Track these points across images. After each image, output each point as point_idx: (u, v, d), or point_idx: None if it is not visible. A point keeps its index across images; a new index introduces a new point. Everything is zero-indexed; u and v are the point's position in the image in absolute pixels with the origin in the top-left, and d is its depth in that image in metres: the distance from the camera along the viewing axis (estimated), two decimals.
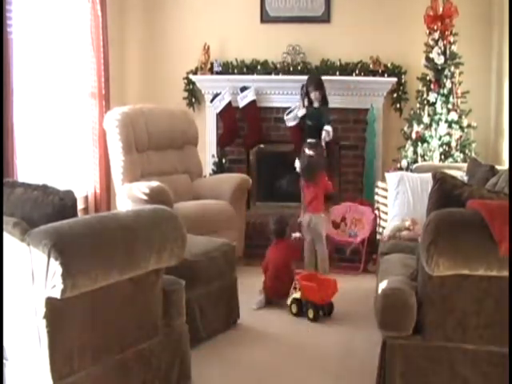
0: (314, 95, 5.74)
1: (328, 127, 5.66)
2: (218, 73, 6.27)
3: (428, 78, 5.62)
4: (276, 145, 6.40)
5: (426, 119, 5.53)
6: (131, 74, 6.59)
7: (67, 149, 5.64)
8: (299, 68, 6.11)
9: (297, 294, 4.23)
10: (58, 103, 5.48)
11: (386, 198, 5.16)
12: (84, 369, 2.57)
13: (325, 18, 6.18)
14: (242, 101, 6.14)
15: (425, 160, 5.47)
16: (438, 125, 5.48)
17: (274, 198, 6.49)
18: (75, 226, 2.52)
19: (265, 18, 6.30)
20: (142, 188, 4.66)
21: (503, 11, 5.44)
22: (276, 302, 4.38)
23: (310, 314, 4.13)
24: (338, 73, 6.02)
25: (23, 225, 2.49)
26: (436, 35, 5.52)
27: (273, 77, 6.15)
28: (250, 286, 4.60)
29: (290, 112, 5.96)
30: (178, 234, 2.89)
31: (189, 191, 5.45)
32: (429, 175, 3.48)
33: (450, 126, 5.45)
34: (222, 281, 3.96)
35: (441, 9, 5.52)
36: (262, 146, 6.37)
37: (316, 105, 5.77)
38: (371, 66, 5.97)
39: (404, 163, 5.50)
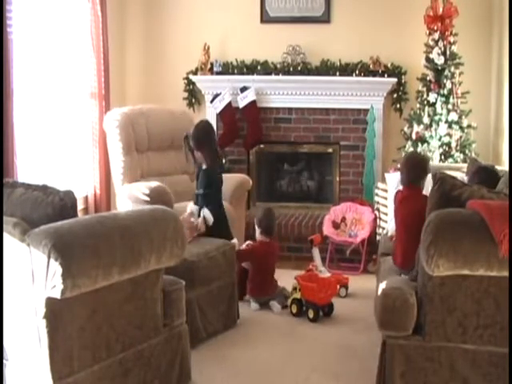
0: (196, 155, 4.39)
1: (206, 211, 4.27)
2: (218, 73, 6.27)
3: (428, 78, 5.61)
4: (276, 145, 6.41)
5: (426, 119, 5.53)
6: (131, 74, 6.59)
7: (67, 149, 5.64)
8: (299, 68, 6.11)
9: (297, 294, 4.24)
10: (58, 103, 5.48)
11: (386, 198, 5.17)
12: (84, 369, 2.57)
13: (325, 18, 6.18)
14: (242, 101, 6.14)
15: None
16: (437, 125, 5.48)
17: (273, 198, 6.49)
18: (75, 226, 2.52)
19: (265, 18, 6.30)
20: (142, 188, 4.65)
21: (503, 11, 5.44)
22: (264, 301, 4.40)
23: (310, 314, 4.13)
24: (338, 73, 6.02)
25: (23, 225, 2.49)
26: (436, 35, 5.51)
27: (273, 77, 6.15)
28: None
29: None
30: (177, 235, 2.90)
31: (189, 191, 5.44)
32: (429, 176, 3.49)
33: (450, 127, 5.45)
34: (222, 281, 3.96)
35: (441, 9, 5.51)
36: (262, 146, 6.37)
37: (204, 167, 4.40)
38: (371, 66, 5.96)
39: None
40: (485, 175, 3.66)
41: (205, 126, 4.42)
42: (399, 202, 3.56)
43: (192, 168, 4.49)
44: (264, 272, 4.44)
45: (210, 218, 4.25)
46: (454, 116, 5.46)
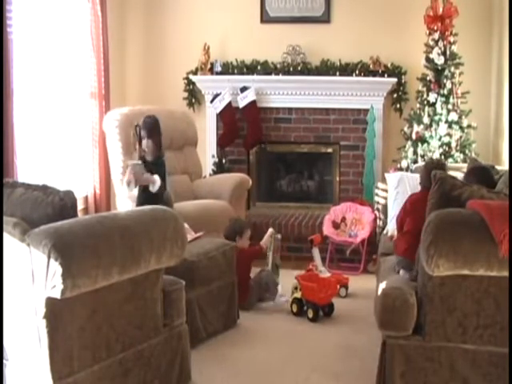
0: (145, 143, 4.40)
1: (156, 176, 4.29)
2: (218, 73, 6.27)
3: (428, 78, 5.62)
4: (276, 145, 6.41)
5: (426, 119, 5.53)
6: (131, 74, 6.59)
7: (67, 149, 5.64)
8: (299, 68, 6.11)
9: (297, 294, 4.24)
10: (58, 104, 5.48)
11: (385, 198, 5.17)
12: (84, 369, 2.57)
13: (325, 18, 6.18)
14: (242, 101, 6.14)
15: (425, 160, 5.46)
16: (437, 125, 5.48)
17: (273, 198, 6.50)
18: (75, 226, 2.52)
19: (265, 18, 6.30)
20: None
21: (503, 11, 5.44)
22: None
23: (310, 313, 4.13)
24: (338, 73, 6.02)
25: (23, 225, 2.49)
26: (436, 35, 5.52)
27: (273, 77, 6.15)
28: None
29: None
30: (178, 235, 2.89)
31: (189, 191, 5.45)
32: None
33: (450, 127, 5.45)
34: (222, 281, 3.96)
35: (441, 9, 5.51)
36: (262, 146, 6.38)
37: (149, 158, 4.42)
38: (371, 66, 5.96)
39: (404, 163, 5.50)
40: (479, 175, 3.63)
41: (155, 118, 4.50)
42: (416, 203, 3.52)
43: (137, 157, 4.51)
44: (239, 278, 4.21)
45: (158, 182, 4.26)
46: (454, 116, 5.46)
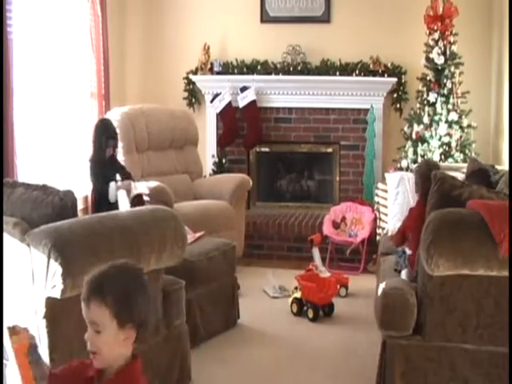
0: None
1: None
2: (218, 73, 6.27)
3: (428, 78, 5.61)
4: (276, 145, 6.41)
5: (426, 119, 5.52)
6: (131, 74, 6.59)
7: (67, 149, 5.64)
8: (299, 68, 6.12)
9: (297, 294, 4.24)
10: (59, 103, 5.47)
11: (385, 198, 5.17)
12: None
13: (325, 18, 6.18)
14: (242, 101, 6.14)
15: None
16: (438, 125, 5.47)
17: (273, 198, 6.50)
18: (75, 226, 2.52)
19: (265, 18, 6.30)
20: (142, 188, 4.66)
21: (503, 11, 5.43)
22: None
23: (310, 313, 4.13)
24: (338, 73, 6.02)
25: (23, 225, 2.49)
26: (436, 35, 5.51)
27: (273, 77, 6.15)
28: (250, 286, 4.61)
29: None
30: (178, 234, 2.90)
31: (189, 191, 5.46)
32: None
33: (450, 126, 5.44)
34: (222, 281, 3.96)
35: (441, 9, 5.51)
36: (261, 145, 6.37)
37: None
38: (371, 66, 5.96)
39: (404, 163, 5.50)
40: (477, 177, 3.59)
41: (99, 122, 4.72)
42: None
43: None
44: None
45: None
46: (454, 116, 5.46)
